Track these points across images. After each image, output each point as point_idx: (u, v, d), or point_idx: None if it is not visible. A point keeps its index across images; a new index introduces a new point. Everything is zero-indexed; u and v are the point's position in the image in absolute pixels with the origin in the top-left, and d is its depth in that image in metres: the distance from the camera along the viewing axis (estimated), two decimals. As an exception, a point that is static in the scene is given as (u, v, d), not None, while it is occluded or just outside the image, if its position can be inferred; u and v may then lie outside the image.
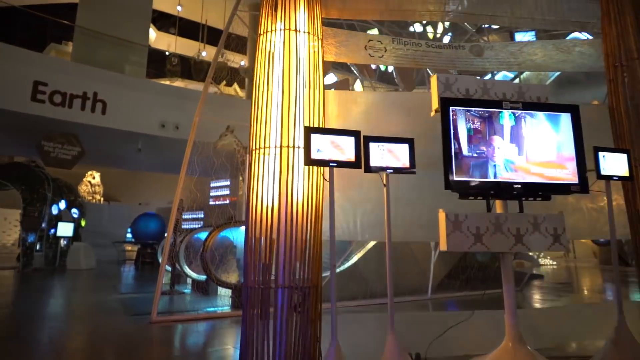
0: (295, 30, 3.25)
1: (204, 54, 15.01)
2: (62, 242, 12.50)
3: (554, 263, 15.96)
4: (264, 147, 3.07)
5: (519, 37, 12.69)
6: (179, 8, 16.67)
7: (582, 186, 3.14)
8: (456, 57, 3.90)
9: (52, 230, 12.27)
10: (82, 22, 12.49)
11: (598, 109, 4.29)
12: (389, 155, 2.93)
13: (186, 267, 7.38)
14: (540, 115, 3.21)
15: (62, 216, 12.75)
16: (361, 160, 2.81)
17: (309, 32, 3.34)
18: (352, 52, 3.76)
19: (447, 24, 12.13)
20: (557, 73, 10.49)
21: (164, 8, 17.03)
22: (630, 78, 3.70)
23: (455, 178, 2.97)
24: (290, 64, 3.17)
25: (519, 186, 3.06)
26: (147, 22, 13.60)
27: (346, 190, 3.43)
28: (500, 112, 3.15)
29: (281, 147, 3.01)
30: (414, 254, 7.24)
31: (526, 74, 10.66)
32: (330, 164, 2.72)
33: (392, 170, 2.91)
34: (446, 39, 11.82)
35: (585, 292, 8.76)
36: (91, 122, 11.13)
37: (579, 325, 3.87)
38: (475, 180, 3.00)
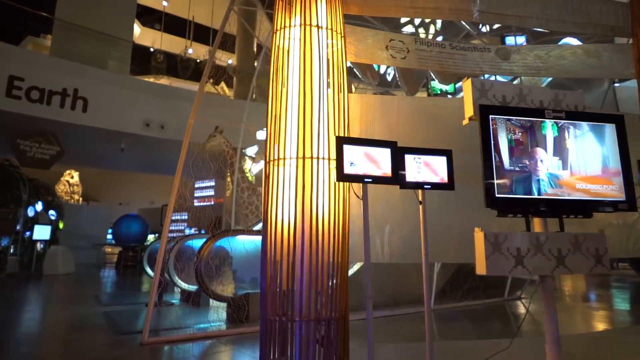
0: (317, 26, 2.87)
1: (190, 51, 14.42)
2: (39, 246, 11.74)
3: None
4: (282, 159, 2.68)
5: (509, 40, 12.56)
6: (165, 3, 16.00)
7: (629, 204, 2.86)
8: (482, 61, 3.58)
9: (28, 233, 11.52)
10: (62, 15, 11.75)
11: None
12: (426, 169, 2.58)
13: (176, 276, 6.89)
14: (584, 125, 2.92)
15: (39, 218, 11.99)
16: (398, 175, 2.44)
17: (329, 28, 2.96)
18: (373, 52, 3.39)
19: (438, 25, 11.92)
20: (550, 78, 10.37)
21: (149, 3, 16.33)
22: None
23: (498, 195, 2.65)
24: (312, 64, 2.79)
25: (565, 204, 2.76)
26: (132, 17, 12.94)
27: (370, 205, 3.07)
28: (542, 121, 2.84)
29: (304, 158, 2.62)
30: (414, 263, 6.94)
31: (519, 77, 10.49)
32: (365, 180, 2.35)
33: (429, 187, 2.56)
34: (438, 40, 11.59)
35: (596, 298, 8.64)
36: (71, 120, 10.46)
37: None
38: (521, 197, 2.67)
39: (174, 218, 20.46)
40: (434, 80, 8.87)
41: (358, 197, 2.44)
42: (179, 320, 5.54)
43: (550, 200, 2.72)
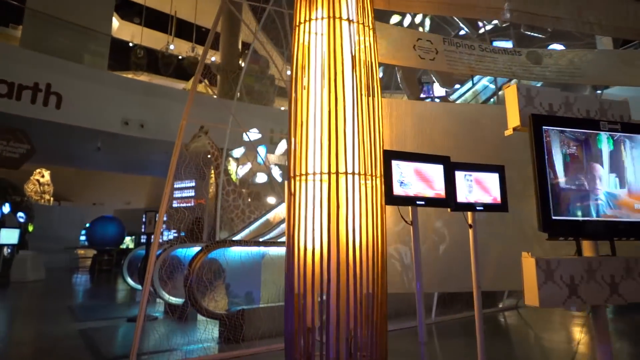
0: (348, 20, 2.45)
1: (171, 47, 13.70)
2: (6, 251, 10.83)
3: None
4: (309, 174, 2.25)
5: (497, 45, 12.45)
6: (145, -4, 15.19)
7: (689, 226, 2.57)
8: (513, 64, 3.25)
9: (-6, 237, 10.60)
10: (33, 4, 10.88)
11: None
12: (477, 188, 2.20)
13: (161, 288, 6.32)
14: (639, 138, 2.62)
15: (6, 221, 11.09)
16: (452, 197, 2.06)
17: (359, 22, 2.55)
18: (400, 52, 3.00)
19: (427, 25, 11.67)
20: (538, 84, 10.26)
21: (128, -4, 15.48)
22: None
23: (554, 217, 2.30)
24: (344, 63, 2.37)
25: (624, 227, 2.45)
26: (110, 9, 12.14)
27: (401, 228, 2.68)
28: (597, 134, 2.52)
29: (337, 173, 2.20)
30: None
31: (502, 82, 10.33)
32: (417, 203, 1.95)
33: (481, 208, 2.19)
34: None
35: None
36: (43, 116, 9.66)
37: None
38: (581, 220, 2.34)
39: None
40: (428, 83, 8.59)
41: (407, 222, 2.03)
42: (165, 339, 5.00)
43: (609, 223, 2.40)
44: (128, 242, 17.19)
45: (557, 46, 10.80)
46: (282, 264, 5.70)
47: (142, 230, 18.39)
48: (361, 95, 2.36)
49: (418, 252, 2.04)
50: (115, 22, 14.92)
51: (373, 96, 2.44)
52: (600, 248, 2.60)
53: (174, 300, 6.29)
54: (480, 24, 9.21)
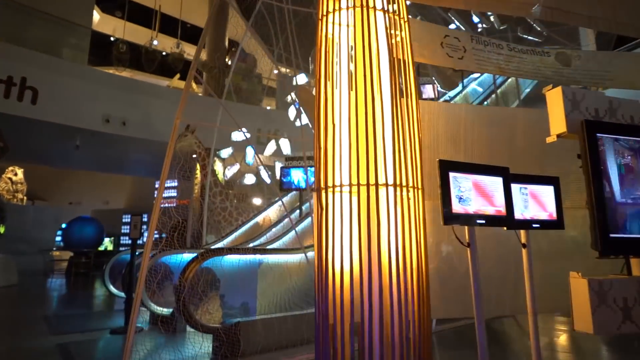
0: (383, 10, 2.14)
1: (155, 42, 13.10)
2: (-25, 254, 10.09)
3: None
4: (345, 185, 1.94)
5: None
6: (127, -10, 14.50)
7: None
8: (543, 66, 3.01)
9: (-38, 240, 9.86)
10: (7, -7, 10.15)
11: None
12: (532, 202, 1.93)
13: (146, 297, 5.87)
14: (690, 148, 2.41)
15: (-24, 223, 10.32)
16: (512, 214, 1.77)
17: (393, 13, 2.24)
18: (428, 50, 2.72)
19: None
20: (528, 89, 10.22)
21: (109, -12, 14.76)
22: None
23: (612, 234, 2.05)
24: (380, 59, 2.06)
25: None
26: (91, 1, 11.47)
27: (430, 243, 2.39)
28: (650, 142, 2.29)
29: (377, 184, 1.89)
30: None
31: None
32: (478, 222, 1.65)
33: (538, 225, 1.92)
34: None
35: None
36: (18, 112, 8.99)
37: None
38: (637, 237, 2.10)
39: (129, 220, 18.87)
40: (422, 84, 8.37)
41: (463, 243, 1.73)
42: (155, 355, 4.59)
43: (666, 241, 2.18)
44: (107, 243, 16.44)
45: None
46: (280, 271, 5.36)
47: (122, 231, 17.66)
48: (399, 95, 2.05)
49: (477, 277, 1.75)
50: (96, 15, 14.18)
51: (409, 97, 2.14)
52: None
53: (160, 310, 5.86)
54: (476, 21, 9.02)
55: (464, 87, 11.24)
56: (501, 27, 8.56)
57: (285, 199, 9.75)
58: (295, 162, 7.77)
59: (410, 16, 2.49)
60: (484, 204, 1.69)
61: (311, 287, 5.31)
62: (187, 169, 9.46)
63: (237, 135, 9.74)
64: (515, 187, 1.89)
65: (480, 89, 11.14)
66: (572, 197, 2.71)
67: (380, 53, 2.11)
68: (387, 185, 1.87)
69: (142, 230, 11.97)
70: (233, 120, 4.32)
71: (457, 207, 1.62)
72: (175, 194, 17.21)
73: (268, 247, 6.40)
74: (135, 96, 10.94)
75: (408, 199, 1.94)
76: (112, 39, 12.18)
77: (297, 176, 7.75)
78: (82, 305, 8.11)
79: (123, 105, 10.78)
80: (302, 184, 7.73)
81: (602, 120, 2.41)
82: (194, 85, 13.53)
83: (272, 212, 9.69)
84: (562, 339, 5.15)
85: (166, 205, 17.66)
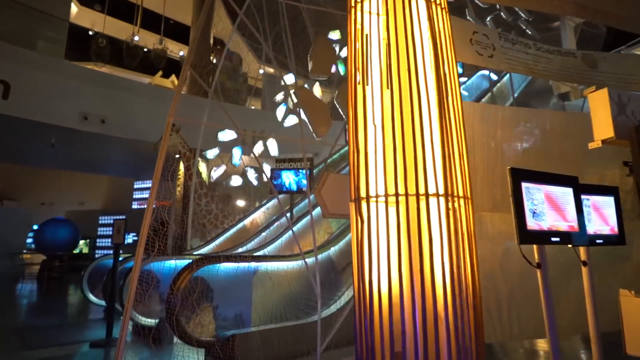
0: (426, -5, 1.90)
1: (136, 38, 12.52)
2: (-62, 259, 9.34)
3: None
4: (381, 196, 1.68)
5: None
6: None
7: None
8: (570, 67, 2.84)
9: None
10: (-23, -19, 9.46)
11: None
12: (595, 215, 1.71)
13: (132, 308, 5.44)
14: None
15: (-61, 225, 9.56)
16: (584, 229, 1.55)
17: (433, 1, 2.00)
18: (457, 46, 2.48)
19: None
20: (522, 87, 10.20)
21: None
22: None
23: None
24: (424, 54, 1.81)
25: None
26: (69, -8, 10.85)
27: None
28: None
29: (427, 195, 1.64)
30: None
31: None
32: (552, 240, 1.42)
33: (602, 241, 1.70)
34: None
35: None
36: (-12, 108, 8.36)
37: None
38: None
39: (107, 222, 18.07)
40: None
41: (532, 263, 1.49)
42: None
43: None
44: (82, 246, 15.67)
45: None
46: (277, 279, 5.03)
47: (99, 233, 16.88)
48: (445, 94, 1.81)
49: (550, 298, 1.52)
50: (74, 7, 13.45)
51: (454, 96, 1.89)
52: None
53: (145, 320, 5.46)
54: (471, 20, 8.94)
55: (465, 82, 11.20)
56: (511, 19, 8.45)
57: (274, 203, 9.43)
58: (287, 164, 7.46)
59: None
60: (557, 218, 1.47)
61: (311, 295, 5.03)
62: (171, 169, 9.02)
63: (224, 136, 9.37)
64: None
65: (466, 93, 11.11)
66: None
67: (424, 46, 1.86)
68: (443, 195, 1.62)
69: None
70: (233, 120, 3.99)
71: (531, 223, 1.39)
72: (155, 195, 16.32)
73: (260, 252, 6.08)
74: (115, 93, 10.41)
75: (459, 210, 1.70)
76: (90, 33, 11.54)
77: (288, 178, 7.45)
78: (57, 315, 7.54)
79: (102, 103, 10.23)
80: (294, 187, 7.44)
81: (646, 125, 2.25)
82: (176, 82, 13.02)
83: (259, 215, 9.35)
84: None
85: (144, 206, 16.98)
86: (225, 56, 11.54)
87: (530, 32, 9.08)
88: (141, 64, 11.81)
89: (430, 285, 1.61)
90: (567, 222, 1.50)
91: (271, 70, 12.65)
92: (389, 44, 1.78)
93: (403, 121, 1.70)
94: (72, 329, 6.21)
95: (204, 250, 7.92)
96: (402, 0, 1.87)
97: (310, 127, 4.84)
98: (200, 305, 4.31)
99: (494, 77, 10.20)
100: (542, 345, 4.13)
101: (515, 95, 10.07)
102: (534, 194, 1.44)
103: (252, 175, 9.97)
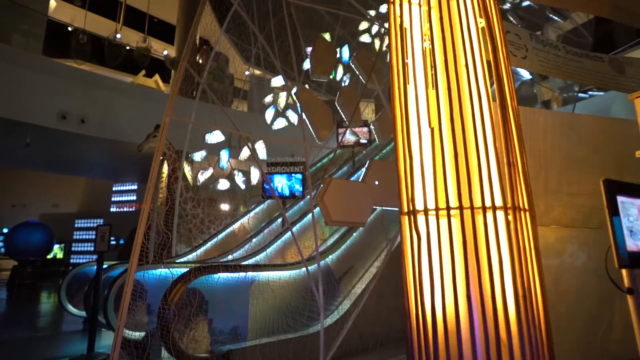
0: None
1: (118, 36, 12.00)
2: None
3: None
4: (431, 210, 1.47)
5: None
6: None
7: None
8: (599, 72, 2.71)
9: None
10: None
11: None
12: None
13: (114, 317, 5.07)
14: None
15: None
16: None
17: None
18: (490, 45, 2.30)
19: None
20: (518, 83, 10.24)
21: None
22: None
23: None
24: (474, 52, 1.62)
25: None
26: (47, -15, 10.29)
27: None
28: None
29: (484, 207, 1.44)
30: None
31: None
32: (648, 262, 1.23)
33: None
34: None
35: None
36: (-43, 104, 7.77)
37: None
38: None
39: (83, 225, 17.25)
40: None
41: (621, 289, 1.30)
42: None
43: None
44: (56, 251, 14.92)
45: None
46: (276, 289, 4.74)
47: (74, 237, 16.11)
48: (507, 99, 1.62)
49: None
50: (53, 1, 12.79)
51: (511, 99, 1.70)
52: None
53: (130, 333, 5.07)
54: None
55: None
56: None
57: (263, 208, 9.14)
58: (280, 168, 7.19)
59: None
60: (648, 237, 1.29)
61: (309, 305, 4.76)
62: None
63: (212, 138, 9.01)
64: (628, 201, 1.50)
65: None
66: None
67: (473, 44, 1.66)
68: (494, 207, 1.42)
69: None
70: (233, 124, 3.73)
71: (630, 244, 1.20)
72: (135, 198, 15.98)
73: (252, 260, 5.78)
74: (96, 91, 9.91)
75: (522, 224, 1.50)
76: (70, 29, 11.00)
77: (280, 183, 7.18)
78: (30, 326, 6.99)
79: (82, 101, 9.72)
80: (286, 192, 7.18)
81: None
82: (161, 84, 12.56)
83: (248, 220, 9.02)
84: None
85: (124, 209, 16.30)
86: (216, 56, 11.20)
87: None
88: (123, 63, 11.34)
89: (492, 309, 1.40)
90: (659, 241, 1.34)
91: (258, 72, 12.36)
92: (443, 38, 1.57)
93: (462, 125, 1.50)
94: (48, 343, 5.73)
95: (190, 257, 7.55)
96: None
97: (311, 130, 4.62)
98: (194, 319, 3.99)
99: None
100: None
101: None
102: (629, 209, 1.25)
103: (240, 178, 9.64)
